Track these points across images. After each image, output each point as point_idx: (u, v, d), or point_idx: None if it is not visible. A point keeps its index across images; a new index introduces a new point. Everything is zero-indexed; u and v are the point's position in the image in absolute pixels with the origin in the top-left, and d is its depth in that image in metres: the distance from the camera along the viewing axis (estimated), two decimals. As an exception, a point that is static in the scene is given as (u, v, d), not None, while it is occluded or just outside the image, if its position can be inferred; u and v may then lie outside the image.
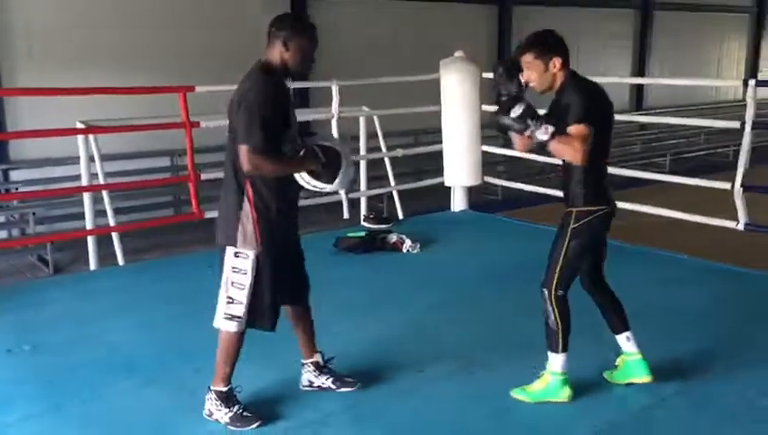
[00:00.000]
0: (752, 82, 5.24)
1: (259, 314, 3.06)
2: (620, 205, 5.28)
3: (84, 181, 5.76)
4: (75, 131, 5.68)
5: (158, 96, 7.10)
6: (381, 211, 8.50)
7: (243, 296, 3.00)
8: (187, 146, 5.65)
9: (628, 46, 15.94)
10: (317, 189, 3.10)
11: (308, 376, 3.36)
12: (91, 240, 5.71)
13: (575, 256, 3.14)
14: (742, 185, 5.23)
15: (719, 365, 3.56)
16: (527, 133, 3.00)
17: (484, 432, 3.07)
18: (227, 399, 3.10)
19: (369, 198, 7.10)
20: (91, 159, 5.75)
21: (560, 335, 3.14)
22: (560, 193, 6.45)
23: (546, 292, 3.15)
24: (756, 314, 4.28)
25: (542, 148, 3.09)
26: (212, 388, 3.12)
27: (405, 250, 5.61)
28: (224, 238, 3.03)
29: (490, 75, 6.87)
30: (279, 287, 3.06)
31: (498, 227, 6.71)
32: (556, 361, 3.18)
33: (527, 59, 3.09)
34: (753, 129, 5.23)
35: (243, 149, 2.86)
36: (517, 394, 3.26)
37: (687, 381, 3.41)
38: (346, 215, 6.62)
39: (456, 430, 3.07)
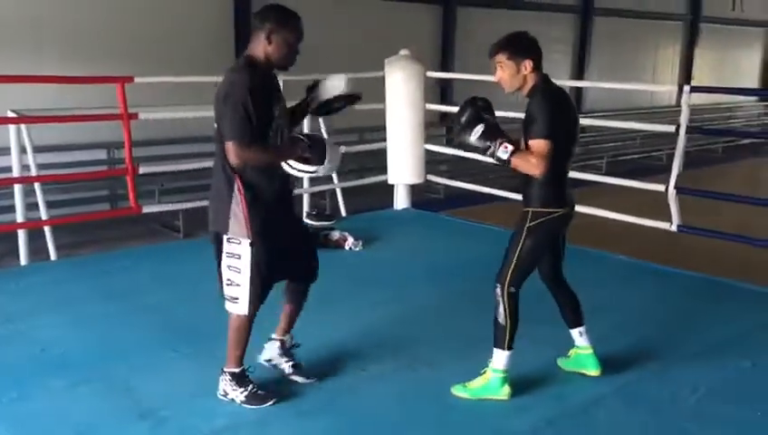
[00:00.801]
0: (686, 88, 5.40)
1: (254, 297, 3.09)
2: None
3: (15, 173, 5.55)
4: (5, 120, 5.47)
5: (102, 85, 6.88)
6: (324, 208, 8.46)
7: (241, 279, 3.05)
8: (124, 138, 5.49)
9: (569, 51, 16.28)
10: (307, 174, 3.18)
11: (270, 353, 3.39)
12: (21, 234, 5.51)
13: (529, 255, 3.18)
14: (675, 187, 5.39)
15: (654, 363, 3.66)
16: (488, 153, 3.07)
17: (427, 429, 3.07)
18: (240, 379, 3.16)
19: (312, 195, 7.05)
20: (24, 150, 5.55)
21: (507, 333, 3.18)
22: (502, 192, 6.55)
23: (499, 288, 3.19)
24: (688, 314, 4.42)
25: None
26: (225, 369, 3.18)
27: (347, 248, 5.59)
28: (217, 226, 3.08)
29: (434, 74, 6.88)
30: (269, 274, 3.09)
31: (440, 226, 6.75)
32: (500, 358, 3.22)
33: (499, 58, 3.13)
34: (686, 133, 5.40)
35: (229, 145, 2.90)
36: (458, 391, 3.29)
37: (623, 378, 3.49)
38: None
39: (398, 427, 3.08)
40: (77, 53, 9.22)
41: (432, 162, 8.22)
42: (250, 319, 3.13)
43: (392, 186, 6.95)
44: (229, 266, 3.07)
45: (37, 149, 5.94)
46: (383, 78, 6.43)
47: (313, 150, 3.08)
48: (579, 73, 16.31)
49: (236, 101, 2.87)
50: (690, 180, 5.69)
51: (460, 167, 11.41)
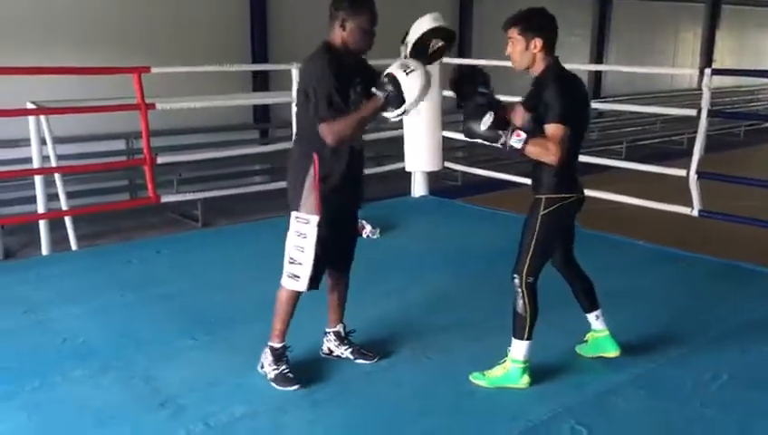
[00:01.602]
0: (707, 71, 5.32)
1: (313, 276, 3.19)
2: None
3: (36, 164, 5.61)
4: (25, 112, 5.52)
5: (119, 76, 6.91)
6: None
7: (303, 258, 3.15)
8: (142, 128, 5.52)
9: (587, 35, 16.09)
10: (403, 115, 3.12)
11: (329, 344, 3.51)
12: (43, 224, 5.57)
13: (545, 243, 3.15)
14: (697, 172, 5.32)
15: (674, 350, 3.63)
16: (499, 142, 3.00)
17: (443, 416, 3.07)
18: (278, 356, 3.27)
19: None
20: (44, 141, 5.60)
21: (527, 322, 3.16)
22: (518, 178, 6.50)
23: (517, 278, 3.16)
24: (709, 299, 4.37)
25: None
26: (268, 343, 3.28)
27: (365, 235, 5.58)
28: (291, 203, 3.19)
29: (451, 60, 6.87)
30: (328, 253, 3.19)
31: (458, 213, 6.72)
32: (519, 348, 3.20)
33: (511, 33, 3.10)
34: (708, 117, 5.32)
35: (322, 127, 3.00)
36: (476, 379, 3.28)
37: (643, 366, 3.46)
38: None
39: (414, 415, 3.07)
40: (92, 44, 9.26)
41: (449, 149, 8.20)
42: (297, 296, 3.23)
43: (410, 173, 6.94)
44: (295, 246, 3.17)
45: (57, 140, 6.01)
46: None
47: (388, 96, 3.02)
48: (598, 57, 16.14)
49: (319, 84, 2.97)
50: (711, 165, 5.61)
51: (477, 153, 11.36)
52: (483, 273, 4.75)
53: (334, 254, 3.27)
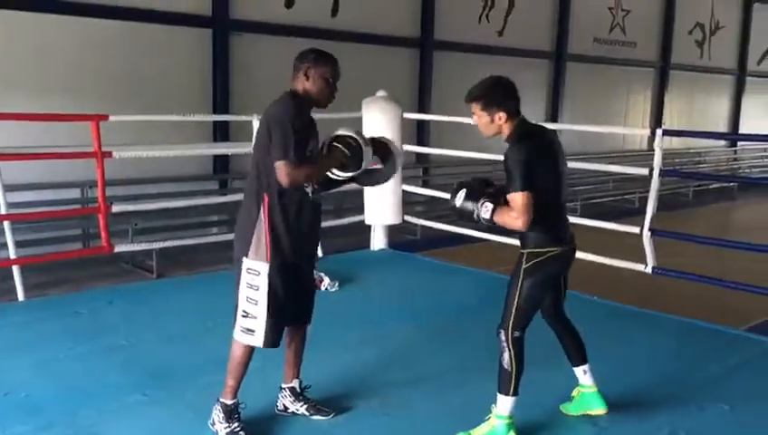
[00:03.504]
0: (659, 131, 5.48)
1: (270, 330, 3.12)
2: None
3: (-15, 211, 5.44)
4: (-24, 158, 5.39)
5: (76, 124, 6.82)
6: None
7: (257, 311, 3.09)
8: (98, 176, 5.43)
9: (543, 96, 16.54)
10: (347, 180, 3.27)
11: (284, 401, 3.43)
12: (-11, 273, 5.39)
13: (529, 298, 3.15)
14: (650, 229, 5.43)
15: (632, 406, 3.63)
16: (475, 217, 3.15)
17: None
18: (229, 413, 3.18)
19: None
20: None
21: (513, 378, 3.13)
22: (477, 233, 6.54)
23: (503, 333, 3.14)
24: (665, 356, 4.41)
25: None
26: (219, 399, 3.20)
27: (323, 288, 5.53)
28: (238, 251, 3.14)
29: (411, 115, 6.91)
30: (285, 306, 3.13)
31: (417, 266, 6.73)
32: (505, 404, 3.16)
33: (474, 108, 3.17)
34: (660, 175, 5.47)
35: (279, 166, 2.99)
36: None
37: (601, 423, 3.44)
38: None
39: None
40: (50, 92, 9.15)
41: (409, 203, 8.24)
42: (250, 353, 3.16)
43: (369, 226, 6.94)
44: (247, 298, 3.11)
45: (9, 188, 5.85)
46: (360, 118, 6.46)
47: (352, 157, 3.16)
48: (553, 117, 16.56)
49: (285, 124, 2.99)
50: (663, 223, 5.74)
51: (436, 207, 11.44)
52: (442, 327, 4.73)
53: (290, 306, 3.19)
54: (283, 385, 3.44)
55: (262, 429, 3.27)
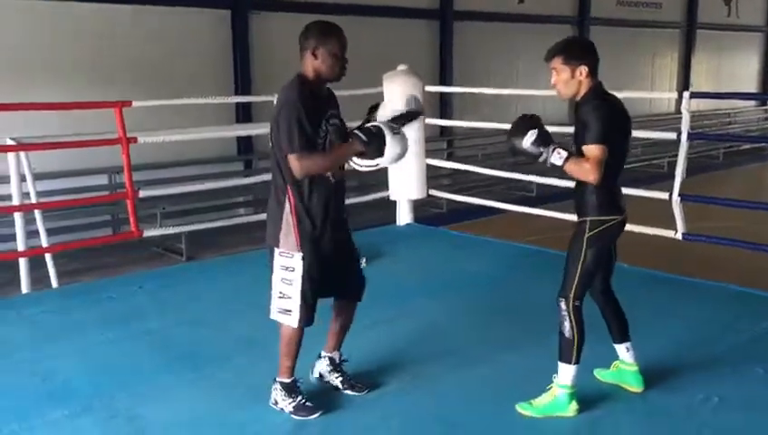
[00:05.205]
0: (686, 94, 5.37)
1: (305, 310, 3.15)
2: (562, 216, 5.39)
3: (15, 201, 5.53)
4: (4, 148, 5.45)
5: (101, 110, 6.85)
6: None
7: (292, 291, 3.11)
8: (123, 163, 5.48)
9: (566, 61, 16.32)
10: (371, 168, 3.18)
11: (320, 369, 3.48)
12: (23, 262, 5.48)
13: (592, 266, 3.13)
14: (679, 195, 5.34)
15: (666, 374, 3.59)
16: (541, 159, 3.05)
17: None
18: (290, 389, 3.23)
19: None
20: (23, 178, 5.53)
21: (575, 346, 3.12)
22: (503, 205, 6.50)
23: (563, 302, 3.13)
24: (698, 322, 4.36)
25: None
26: (277, 379, 3.25)
27: (350, 265, 5.54)
28: (270, 239, 3.17)
29: (433, 88, 6.84)
30: (318, 287, 3.15)
31: (443, 240, 6.71)
32: (567, 373, 3.15)
33: (555, 63, 3.11)
34: (688, 139, 5.36)
35: (290, 159, 2.98)
36: (524, 409, 3.21)
37: (633, 393, 3.42)
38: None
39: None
40: (73, 80, 9.23)
41: (434, 177, 8.21)
42: (300, 331, 3.18)
43: (394, 202, 6.93)
44: (282, 279, 3.13)
45: (37, 177, 5.94)
46: (381, 93, 6.41)
47: (369, 145, 3.06)
48: (577, 84, 16.35)
49: (290, 116, 2.97)
50: (692, 187, 5.64)
51: (462, 180, 11.39)
52: (470, 301, 4.72)
53: (333, 285, 3.23)
54: (323, 353, 3.49)
55: (323, 401, 3.31)
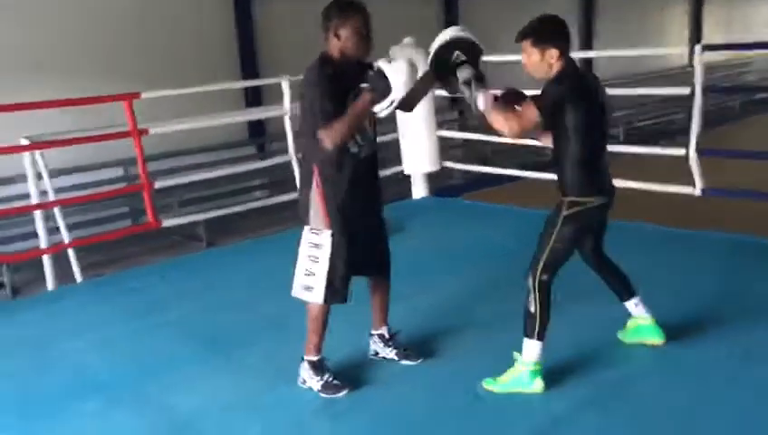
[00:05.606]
0: (698, 48, 5.28)
1: (332, 288, 3.18)
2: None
3: (33, 199, 5.59)
4: (19, 149, 5.50)
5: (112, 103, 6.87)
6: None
7: (317, 268, 3.14)
8: (137, 155, 5.50)
9: (574, 22, 16.06)
10: (388, 109, 3.05)
11: (375, 347, 3.56)
12: (46, 259, 5.55)
13: (564, 245, 3.11)
14: (697, 150, 5.28)
15: (690, 330, 3.58)
16: (467, 96, 2.98)
17: (460, 419, 3.03)
18: (318, 368, 3.27)
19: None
20: (40, 175, 5.58)
21: (537, 322, 3.10)
22: (518, 172, 6.45)
23: (530, 276, 3.12)
24: (720, 276, 4.33)
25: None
26: (304, 358, 3.28)
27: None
28: (301, 215, 3.22)
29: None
30: (349, 263, 3.18)
31: (461, 211, 6.69)
32: (530, 349, 3.13)
33: (525, 45, 3.07)
34: (702, 93, 5.28)
35: (320, 135, 3.00)
36: (489, 385, 3.21)
37: (659, 349, 3.42)
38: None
39: (430, 421, 3.04)
40: (80, 74, 9.25)
41: (446, 148, 8.17)
42: (326, 308, 3.21)
43: (409, 175, 6.91)
44: (309, 256, 3.17)
45: (53, 173, 5.99)
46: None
47: (375, 90, 2.99)
48: (587, 44, 16.09)
49: (313, 98, 3.00)
50: (710, 141, 5.56)
51: (475, 150, 11.32)
52: (491, 272, 4.71)
53: (360, 262, 3.24)
54: (372, 332, 3.55)
55: (350, 378, 3.34)
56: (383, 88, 2.97)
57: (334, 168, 3.11)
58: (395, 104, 3.02)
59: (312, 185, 3.12)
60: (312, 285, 3.16)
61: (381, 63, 2.99)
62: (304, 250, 3.19)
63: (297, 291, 3.23)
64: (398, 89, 2.98)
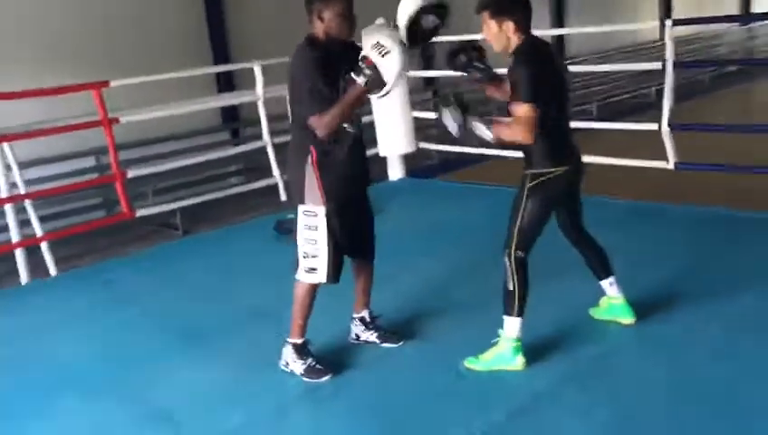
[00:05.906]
0: (668, 23, 5.30)
1: (332, 267, 3.19)
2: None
3: (3, 193, 5.48)
4: (-16, 141, 5.38)
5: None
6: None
7: (317, 250, 3.17)
8: (108, 144, 5.42)
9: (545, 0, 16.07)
10: (387, 93, 3.05)
11: (356, 330, 3.57)
12: (19, 253, 5.46)
13: (533, 218, 3.11)
14: (669, 124, 5.32)
15: (666, 304, 3.62)
16: (469, 128, 3.02)
17: (444, 399, 3.04)
18: (301, 351, 3.28)
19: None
20: (9, 168, 5.48)
21: (515, 298, 3.11)
22: (495, 151, 6.45)
23: (506, 253, 3.12)
24: (696, 249, 4.38)
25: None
26: (288, 340, 3.29)
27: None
28: (295, 198, 3.21)
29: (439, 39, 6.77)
30: (343, 243, 3.21)
31: (438, 192, 6.70)
32: (511, 325, 3.15)
33: (483, 17, 3.06)
34: (673, 68, 5.31)
35: (312, 120, 3.02)
36: (471, 364, 3.23)
37: (636, 324, 3.45)
38: (283, 197, 6.50)
39: (414, 402, 3.04)
40: (49, 63, 9.07)
41: (421, 128, 8.13)
42: (313, 292, 3.24)
43: (385, 157, 6.89)
44: (306, 239, 3.18)
45: (23, 166, 5.88)
46: (360, 48, 6.31)
47: (372, 79, 2.97)
48: (558, 20, 16.11)
49: (302, 80, 3.02)
50: (682, 115, 5.61)
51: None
52: (469, 252, 4.71)
53: (347, 242, 3.25)
54: (354, 315, 3.56)
55: (331, 361, 3.35)
56: (376, 80, 2.97)
57: (329, 144, 3.11)
58: (388, 94, 3.05)
59: (308, 164, 3.12)
60: (315, 266, 3.18)
61: (372, 54, 2.95)
62: (301, 234, 3.20)
63: (301, 274, 3.23)
64: (392, 80, 2.98)
